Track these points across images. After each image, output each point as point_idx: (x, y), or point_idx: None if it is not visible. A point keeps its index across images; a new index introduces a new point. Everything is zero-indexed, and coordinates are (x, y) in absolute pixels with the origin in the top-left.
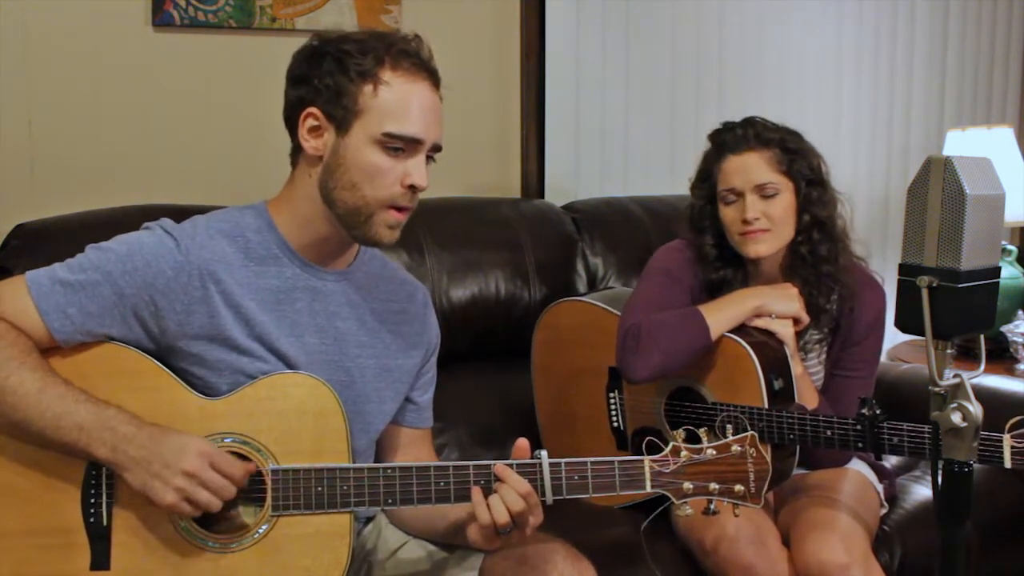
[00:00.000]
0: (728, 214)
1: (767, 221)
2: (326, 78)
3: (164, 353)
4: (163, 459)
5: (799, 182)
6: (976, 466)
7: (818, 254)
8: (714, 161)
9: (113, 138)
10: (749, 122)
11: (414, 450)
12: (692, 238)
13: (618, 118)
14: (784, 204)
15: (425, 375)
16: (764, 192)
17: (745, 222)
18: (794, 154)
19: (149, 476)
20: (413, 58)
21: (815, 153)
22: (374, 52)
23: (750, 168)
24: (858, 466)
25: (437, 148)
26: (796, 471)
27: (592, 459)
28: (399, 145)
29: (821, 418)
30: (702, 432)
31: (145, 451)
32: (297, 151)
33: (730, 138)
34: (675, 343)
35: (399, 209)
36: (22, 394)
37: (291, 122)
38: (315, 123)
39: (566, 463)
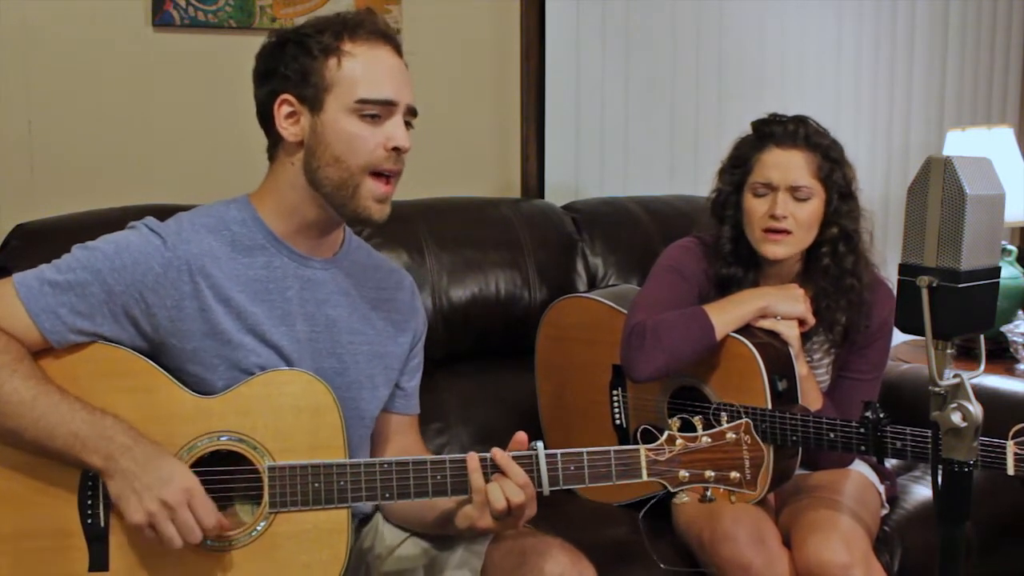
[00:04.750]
0: (756, 206)
1: (793, 222)
2: (291, 64)
3: (157, 351)
4: (146, 479)
5: (831, 192)
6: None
7: (843, 266)
8: (754, 150)
9: (113, 138)
10: (801, 120)
11: (402, 438)
12: (710, 228)
13: (618, 118)
14: (812, 210)
15: (413, 360)
16: (797, 194)
17: (773, 218)
18: (834, 163)
19: (128, 489)
20: (369, 27)
21: (851, 166)
22: (331, 28)
23: (792, 167)
24: (860, 467)
25: (413, 112)
26: (798, 472)
27: (588, 449)
28: (374, 111)
29: (824, 420)
30: (696, 421)
31: (135, 466)
32: (276, 144)
33: (779, 131)
34: (680, 342)
35: (385, 179)
36: (16, 402)
37: (266, 116)
38: (290, 109)
39: (562, 454)
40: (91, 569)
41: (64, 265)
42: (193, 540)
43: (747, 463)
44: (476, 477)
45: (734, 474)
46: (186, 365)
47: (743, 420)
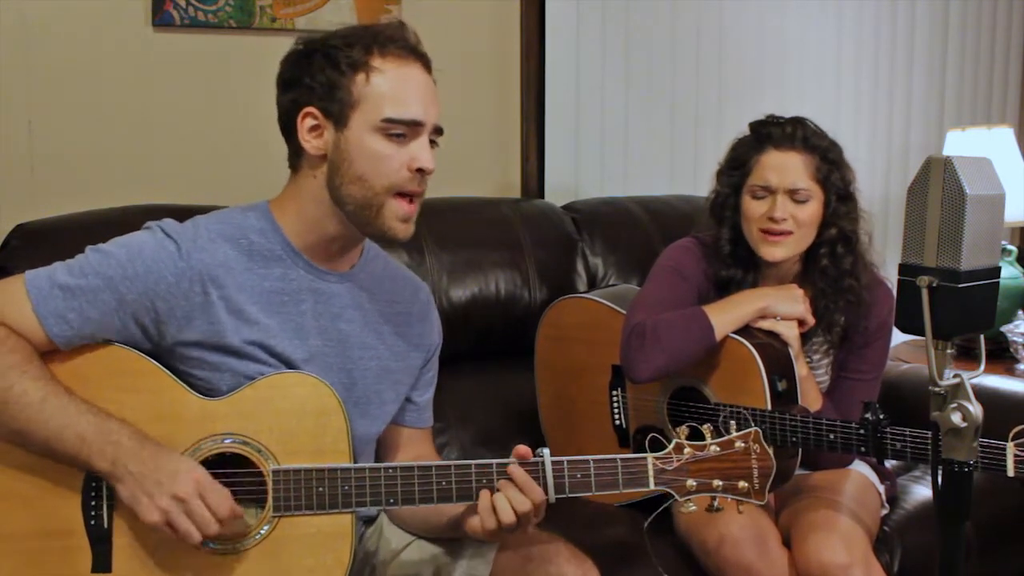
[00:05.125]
0: (754, 208)
1: (793, 223)
2: (318, 75)
3: (163, 355)
4: (156, 477)
5: (830, 194)
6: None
7: (841, 268)
8: (752, 151)
9: (113, 138)
10: (799, 121)
11: (414, 450)
12: (708, 231)
13: (618, 118)
14: (811, 211)
15: (426, 375)
16: (796, 196)
17: (772, 220)
18: (832, 165)
19: (139, 491)
20: (400, 43)
21: (850, 167)
22: (361, 42)
23: (790, 169)
24: (860, 467)
25: (439, 131)
26: (798, 472)
27: (595, 457)
28: (400, 130)
29: (824, 421)
30: (705, 429)
31: (142, 467)
32: (298, 155)
33: (776, 132)
34: (679, 343)
35: (409, 199)
36: (25, 404)
37: (288, 127)
38: (314, 122)
39: (568, 461)
40: (94, 570)
41: (77, 268)
42: (210, 531)
43: (755, 472)
44: (486, 514)
45: (742, 483)
46: (192, 370)
47: (752, 429)
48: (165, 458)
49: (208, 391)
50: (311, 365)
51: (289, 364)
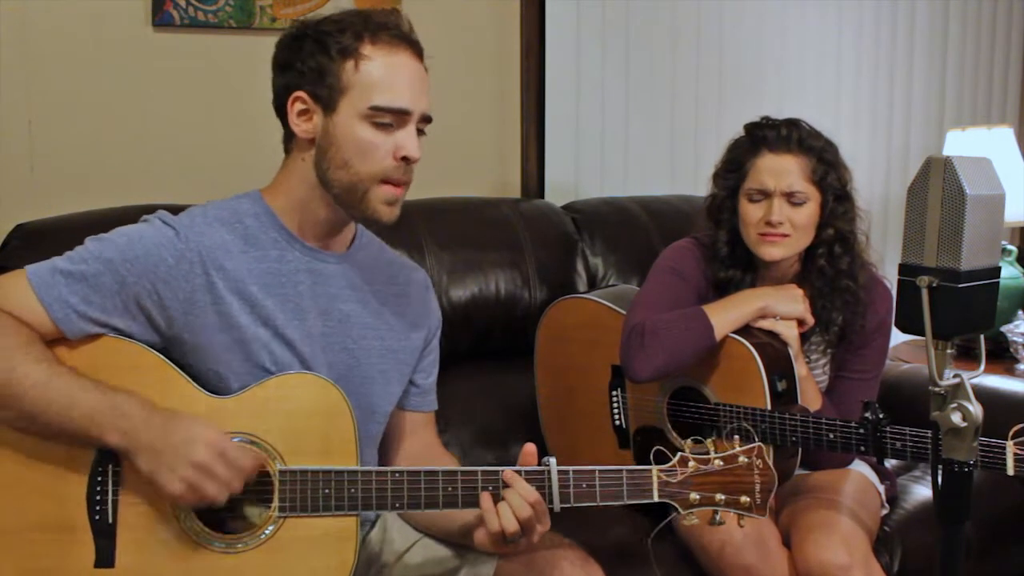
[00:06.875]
0: (751, 212)
1: (790, 226)
2: (308, 60)
3: (171, 347)
4: (173, 447)
5: (827, 195)
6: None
7: (839, 268)
8: (748, 154)
9: (113, 138)
10: (794, 123)
11: (419, 436)
12: (706, 232)
13: (618, 118)
14: (808, 213)
15: (427, 357)
16: (793, 199)
17: (769, 224)
18: (828, 166)
19: (158, 463)
20: (393, 30)
21: (846, 167)
22: (352, 28)
23: (786, 172)
24: (860, 467)
25: (427, 119)
26: (798, 472)
27: (600, 467)
28: (387, 119)
29: (824, 421)
30: (709, 442)
31: (156, 438)
32: (289, 137)
33: (772, 135)
34: (679, 343)
35: (394, 184)
36: (29, 385)
37: (280, 109)
38: (303, 106)
39: (574, 471)
40: (97, 565)
41: (77, 256)
42: (236, 489)
43: (758, 487)
44: (490, 518)
45: (744, 498)
46: (199, 363)
47: (756, 444)
48: (177, 424)
49: (215, 386)
50: (313, 345)
51: (292, 345)
